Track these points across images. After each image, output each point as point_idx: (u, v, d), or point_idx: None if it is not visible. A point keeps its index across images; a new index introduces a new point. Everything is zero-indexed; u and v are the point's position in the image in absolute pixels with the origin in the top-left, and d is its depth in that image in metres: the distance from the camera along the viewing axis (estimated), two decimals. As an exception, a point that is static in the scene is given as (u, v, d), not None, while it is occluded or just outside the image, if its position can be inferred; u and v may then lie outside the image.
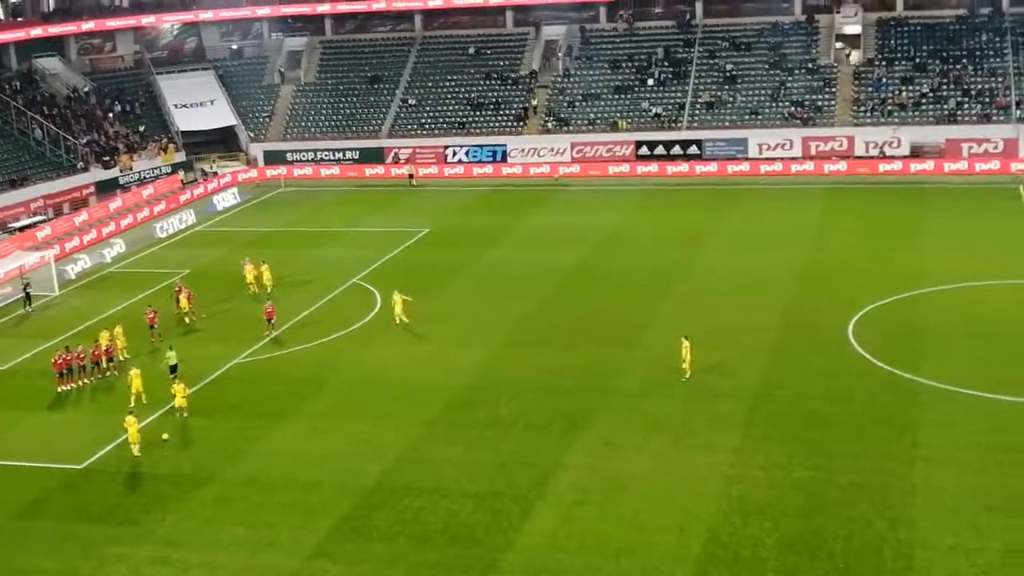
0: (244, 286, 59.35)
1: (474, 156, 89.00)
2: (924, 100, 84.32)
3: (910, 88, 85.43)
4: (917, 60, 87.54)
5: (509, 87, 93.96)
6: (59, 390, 47.59)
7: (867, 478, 35.73)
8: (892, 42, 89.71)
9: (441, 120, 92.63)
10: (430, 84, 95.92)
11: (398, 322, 52.65)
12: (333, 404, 44.81)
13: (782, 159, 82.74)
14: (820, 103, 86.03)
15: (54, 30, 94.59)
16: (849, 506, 34.09)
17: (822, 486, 35.43)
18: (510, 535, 33.76)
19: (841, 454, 37.48)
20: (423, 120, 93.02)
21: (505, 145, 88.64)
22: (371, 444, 40.50)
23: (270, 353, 51.00)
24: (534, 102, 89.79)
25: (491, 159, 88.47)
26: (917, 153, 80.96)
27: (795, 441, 38.63)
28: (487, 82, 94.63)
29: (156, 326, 53.53)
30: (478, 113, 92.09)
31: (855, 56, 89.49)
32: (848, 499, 34.49)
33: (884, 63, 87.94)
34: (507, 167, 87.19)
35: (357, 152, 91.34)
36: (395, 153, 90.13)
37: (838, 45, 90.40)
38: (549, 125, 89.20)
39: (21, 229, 73.60)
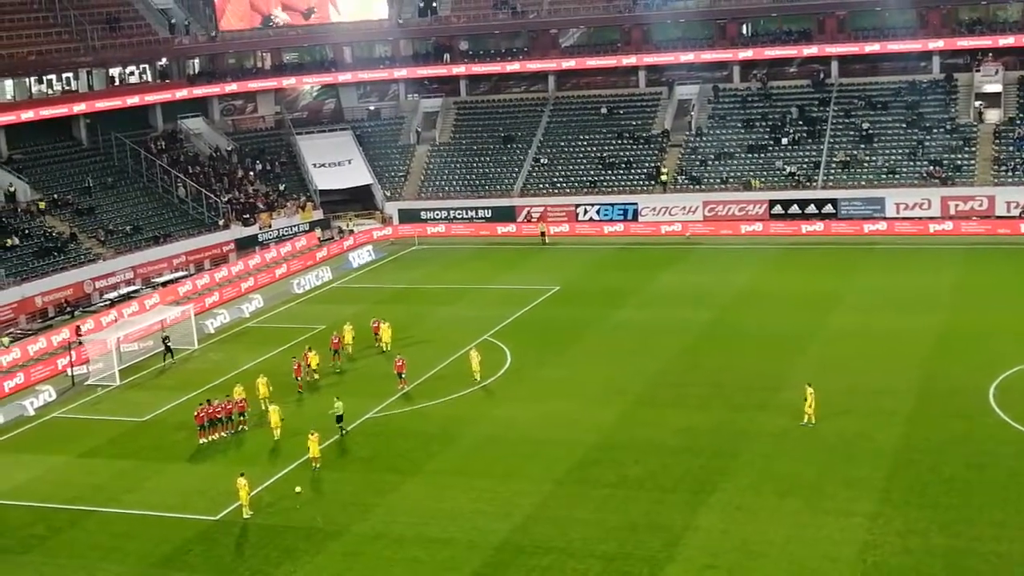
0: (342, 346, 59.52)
1: (605, 214, 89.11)
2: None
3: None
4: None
5: (641, 146, 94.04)
6: (200, 442, 48.70)
7: (1010, 547, 34.60)
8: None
9: (573, 179, 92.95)
10: (562, 143, 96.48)
11: (478, 379, 53.36)
12: (462, 460, 44.99)
13: (920, 219, 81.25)
14: (960, 162, 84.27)
15: (199, 92, 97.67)
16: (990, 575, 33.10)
17: (962, 555, 34.38)
18: (639, 597, 33.43)
19: (982, 522, 36.35)
20: (555, 179, 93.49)
21: (636, 203, 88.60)
22: (499, 501, 40.52)
23: (401, 408, 51.49)
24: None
25: (622, 217, 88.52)
26: (1061, 213, 78.93)
27: (934, 508, 37.59)
28: (619, 141, 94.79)
29: (300, 377, 54.76)
30: (610, 172, 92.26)
31: (996, 115, 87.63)
32: (990, 568, 33.43)
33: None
34: (638, 225, 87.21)
35: (489, 211, 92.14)
36: (527, 212, 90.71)
37: (978, 104, 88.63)
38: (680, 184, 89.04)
39: (164, 284, 75.73)
